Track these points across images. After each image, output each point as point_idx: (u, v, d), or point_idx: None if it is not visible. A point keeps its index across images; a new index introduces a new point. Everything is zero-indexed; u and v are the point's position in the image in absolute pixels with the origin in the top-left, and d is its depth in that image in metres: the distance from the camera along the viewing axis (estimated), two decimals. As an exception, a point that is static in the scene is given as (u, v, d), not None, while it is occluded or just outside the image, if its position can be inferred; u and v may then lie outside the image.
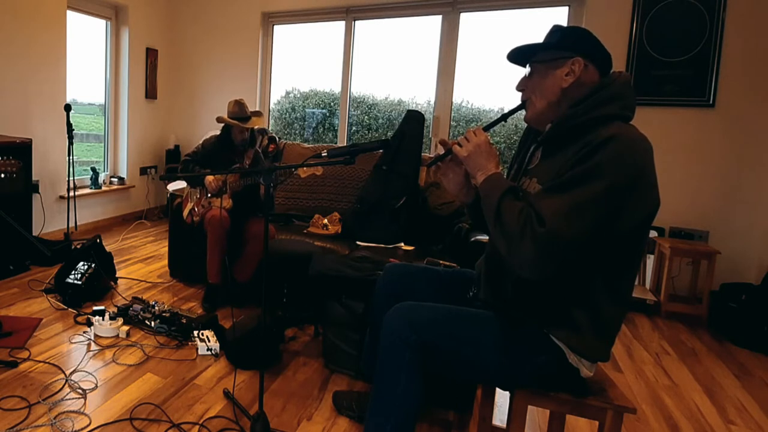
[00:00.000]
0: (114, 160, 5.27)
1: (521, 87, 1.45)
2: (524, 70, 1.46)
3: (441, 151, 1.51)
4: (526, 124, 1.53)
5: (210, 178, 3.00)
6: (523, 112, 1.47)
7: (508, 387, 1.48)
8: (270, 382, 2.21)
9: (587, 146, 1.21)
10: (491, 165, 1.38)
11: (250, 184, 3.00)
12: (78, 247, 3.50)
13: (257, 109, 4.99)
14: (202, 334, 2.50)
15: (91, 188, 4.85)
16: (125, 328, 2.58)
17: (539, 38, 1.44)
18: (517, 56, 1.45)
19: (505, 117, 1.53)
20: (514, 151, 1.66)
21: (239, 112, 3.09)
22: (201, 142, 3.33)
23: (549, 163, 1.34)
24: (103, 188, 4.97)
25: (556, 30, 1.39)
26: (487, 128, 1.45)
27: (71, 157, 4.08)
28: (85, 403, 1.97)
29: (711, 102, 3.45)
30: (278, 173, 2.64)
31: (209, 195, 3.09)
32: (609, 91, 1.29)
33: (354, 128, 5.05)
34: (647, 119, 3.57)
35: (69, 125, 4.00)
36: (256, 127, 3.18)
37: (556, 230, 1.18)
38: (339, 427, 1.94)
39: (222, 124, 3.17)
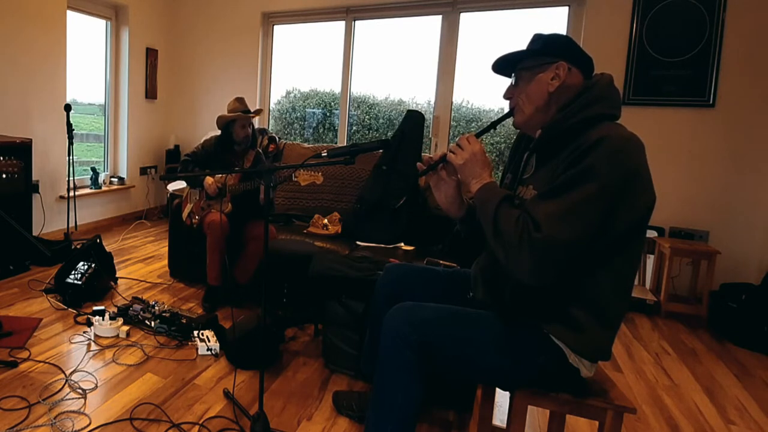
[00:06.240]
0: (114, 160, 5.27)
1: (508, 95, 1.47)
2: (509, 81, 1.48)
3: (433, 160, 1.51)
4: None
5: (209, 180, 2.98)
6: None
7: (508, 387, 1.48)
8: (270, 382, 2.21)
9: (578, 149, 1.22)
10: (486, 174, 1.39)
11: (249, 190, 2.96)
12: (78, 247, 3.50)
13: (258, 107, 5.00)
14: (202, 334, 2.50)
15: (91, 188, 4.85)
16: (125, 328, 2.58)
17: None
18: (502, 66, 1.47)
19: (494, 124, 1.56)
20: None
21: (241, 107, 3.09)
22: (201, 142, 3.30)
23: (544, 171, 1.34)
24: (103, 188, 4.97)
25: (537, 38, 1.41)
26: (477, 136, 1.46)
27: (71, 157, 4.08)
28: (85, 403, 1.97)
29: (711, 102, 3.45)
30: (278, 175, 2.63)
31: (208, 198, 3.07)
32: (594, 92, 1.31)
33: (354, 128, 5.06)
34: (647, 119, 3.58)
35: (69, 125, 4.00)
36: (256, 119, 3.15)
37: (553, 235, 1.18)
38: (339, 427, 1.94)
39: (220, 125, 3.14)
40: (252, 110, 3.13)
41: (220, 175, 3.02)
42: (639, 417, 2.12)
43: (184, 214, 3.19)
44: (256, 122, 3.37)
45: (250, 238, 3.02)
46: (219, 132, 3.21)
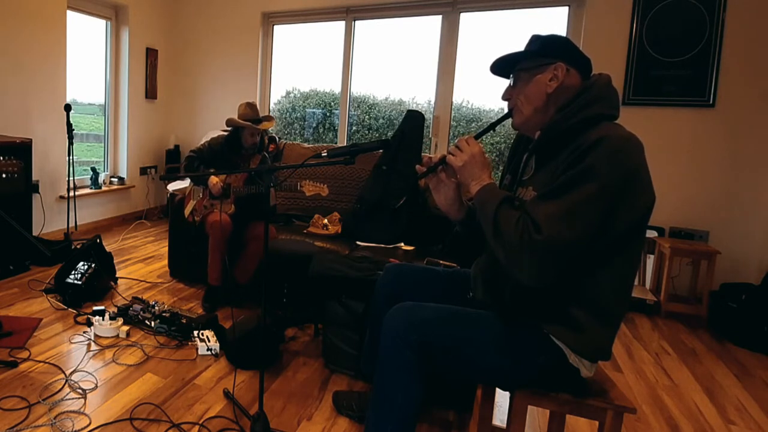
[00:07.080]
0: (114, 160, 5.27)
1: (507, 96, 1.47)
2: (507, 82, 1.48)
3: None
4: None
5: (214, 180, 2.97)
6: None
7: (508, 387, 1.48)
8: (270, 382, 2.21)
9: (578, 149, 1.22)
10: (485, 175, 1.39)
11: (254, 193, 2.95)
12: (78, 247, 3.50)
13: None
14: (202, 334, 2.50)
15: (91, 188, 4.85)
16: (125, 328, 2.58)
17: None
18: (500, 67, 1.48)
19: (493, 126, 1.56)
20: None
21: (252, 114, 3.06)
22: (208, 140, 3.26)
23: (544, 172, 1.34)
24: (103, 188, 4.97)
25: (535, 39, 1.41)
26: (476, 137, 1.46)
27: (71, 157, 4.08)
28: (85, 403, 1.97)
29: (711, 102, 3.45)
30: (278, 176, 2.63)
31: (212, 197, 3.07)
32: (592, 92, 1.31)
33: (354, 128, 5.06)
34: (647, 119, 3.58)
35: (69, 125, 4.00)
36: (266, 128, 3.14)
37: (554, 236, 1.18)
38: (339, 427, 1.94)
39: (230, 127, 3.11)
40: (261, 116, 3.11)
41: (223, 175, 3.02)
42: (639, 417, 2.12)
43: (187, 211, 3.18)
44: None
45: (250, 238, 3.02)
46: (222, 130, 3.20)
